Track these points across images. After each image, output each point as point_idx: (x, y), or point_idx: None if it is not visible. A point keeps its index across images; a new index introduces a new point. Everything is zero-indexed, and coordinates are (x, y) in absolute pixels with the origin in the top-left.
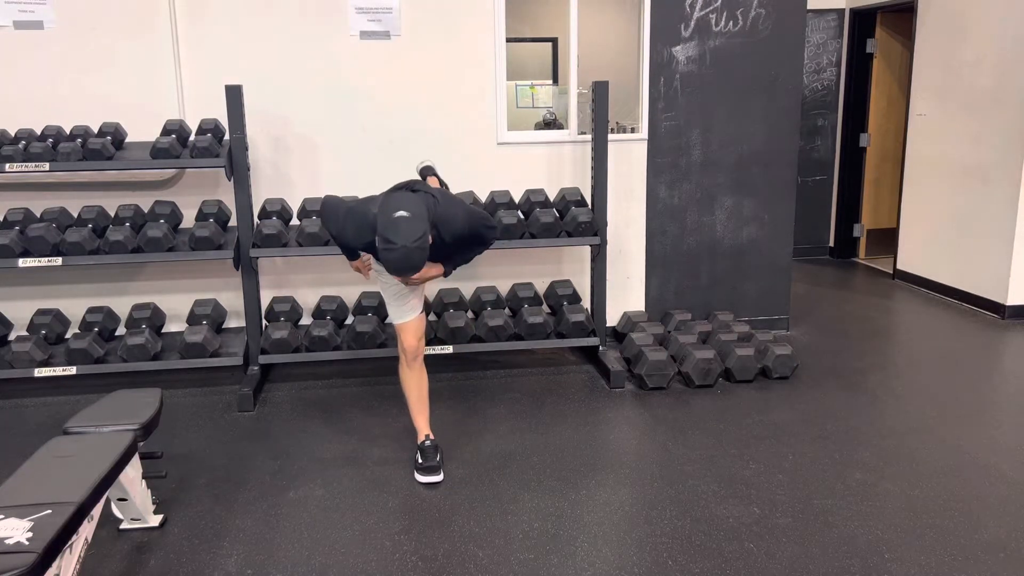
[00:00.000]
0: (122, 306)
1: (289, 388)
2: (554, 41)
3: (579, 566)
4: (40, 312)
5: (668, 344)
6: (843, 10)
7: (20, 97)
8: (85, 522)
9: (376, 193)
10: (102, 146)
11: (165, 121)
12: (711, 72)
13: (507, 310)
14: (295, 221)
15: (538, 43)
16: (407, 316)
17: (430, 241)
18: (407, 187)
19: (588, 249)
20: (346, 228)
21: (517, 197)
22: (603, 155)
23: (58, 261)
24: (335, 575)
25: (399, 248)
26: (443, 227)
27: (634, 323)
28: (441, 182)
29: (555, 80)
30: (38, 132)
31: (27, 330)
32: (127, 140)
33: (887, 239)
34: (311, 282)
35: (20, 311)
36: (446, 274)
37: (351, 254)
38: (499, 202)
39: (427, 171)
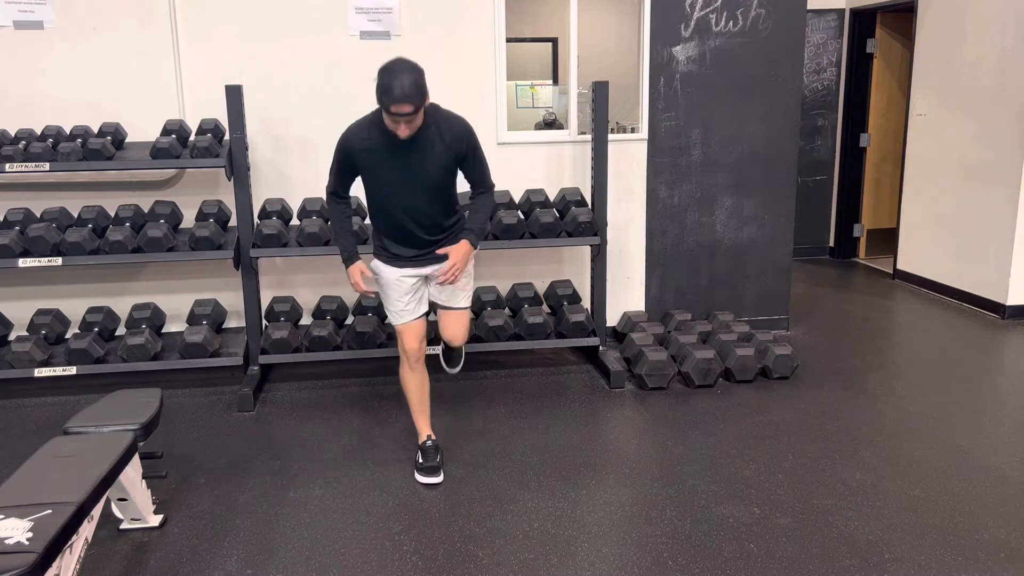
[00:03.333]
0: (122, 306)
1: (289, 388)
2: (554, 41)
3: (579, 566)
4: (40, 312)
5: (668, 344)
6: (843, 10)
7: (20, 97)
8: (85, 522)
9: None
10: (102, 146)
11: (165, 121)
12: (711, 72)
13: (507, 310)
14: (295, 221)
15: (538, 43)
16: (406, 319)
17: (428, 92)
18: None
19: (588, 249)
20: (348, 137)
21: (517, 197)
22: (603, 155)
23: (58, 261)
24: (335, 575)
25: (398, 69)
26: (445, 125)
27: (634, 323)
28: None
29: (555, 80)
30: (38, 132)
31: (27, 330)
32: (127, 140)
33: (887, 239)
34: (311, 282)
35: (20, 311)
36: (474, 243)
37: (349, 249)
38: (499, 202)
39: None
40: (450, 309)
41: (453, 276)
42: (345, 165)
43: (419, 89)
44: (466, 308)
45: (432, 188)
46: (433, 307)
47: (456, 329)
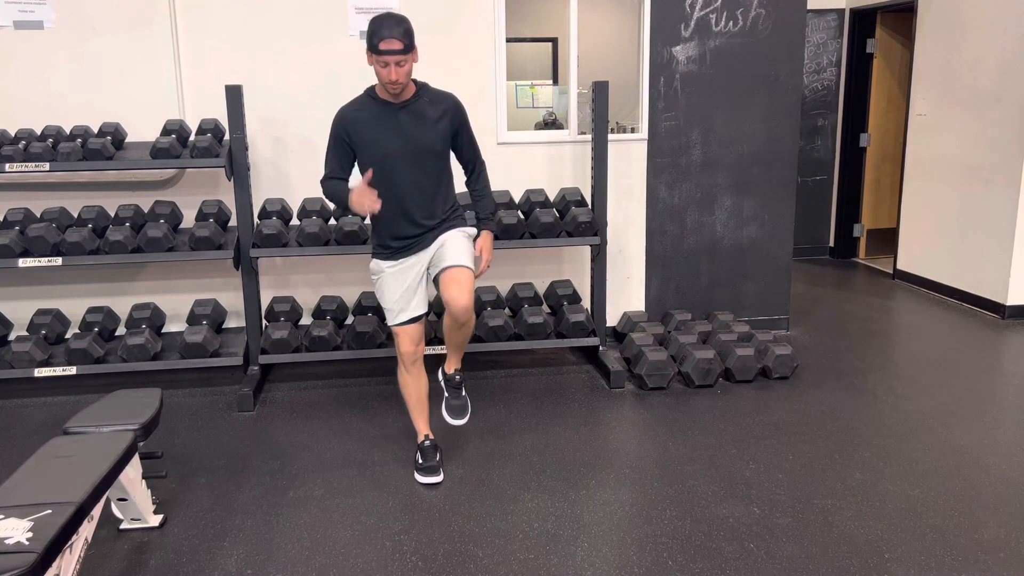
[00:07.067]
0: (122, 306)
1: (289, 388)
2: (554, 41)
3: (579, 566)
4: (40, 312)
5: (668, 344)
6: (843, 10)
7: (20, 97)
8: (85, 522)
9: None
10: (102, 146)
11: (165, 121)
12: (711, 72)
13: (507, 310)
14: (295, 221)
15: (538, 43)
16: (403, 318)
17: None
18: None
19: (588, 249)
20: (342, 112)
21: (517, 197)
22: (603, 155)
23: (58, 261)
24: (335, 575)
25: (386, 15)
26: (435, 98)
27: (634, 323)
28: None
29: (555, 80)
30: (38, 132)
31: (27, 330)
32: (127, 140)
33: (887, 239)
34: (311, 282)
35: (20, 311)
36: (495, 230)
37: (343, 183)
38: (499, 202)
39: None
40: (451, 268)
41: (486, 266)
42: (341, 143)
43: (408, 31)
44: (469, 267)
45: (427, 158)
46: (432, 308)
47: (460, 288)
